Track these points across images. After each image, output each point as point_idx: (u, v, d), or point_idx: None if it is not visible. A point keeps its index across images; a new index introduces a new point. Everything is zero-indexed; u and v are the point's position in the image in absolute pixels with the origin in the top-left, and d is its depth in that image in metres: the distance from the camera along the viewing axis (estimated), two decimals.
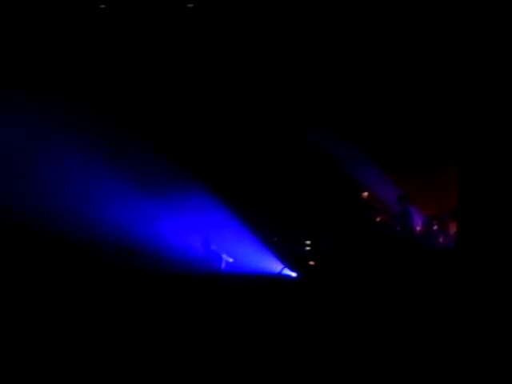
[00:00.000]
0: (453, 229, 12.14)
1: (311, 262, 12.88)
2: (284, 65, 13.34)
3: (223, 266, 12.82)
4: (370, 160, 13.44)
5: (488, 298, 8.84)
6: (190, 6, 13.02)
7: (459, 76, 11.06)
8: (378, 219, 13.30)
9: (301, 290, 10.68)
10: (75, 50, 13.16)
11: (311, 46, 13.08)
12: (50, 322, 8.42)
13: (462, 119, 11.19)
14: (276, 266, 12.56)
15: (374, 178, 13.45)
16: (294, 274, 12.31)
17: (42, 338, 7.98)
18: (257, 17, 12.92)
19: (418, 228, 12.89)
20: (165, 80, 13.62)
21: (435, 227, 12.63)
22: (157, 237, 12.62)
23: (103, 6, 12.93)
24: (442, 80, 12.32)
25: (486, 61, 10.52)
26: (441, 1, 11.57)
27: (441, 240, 12.70)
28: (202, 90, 13.65)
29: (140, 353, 7.73)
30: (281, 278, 12.14)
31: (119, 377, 7.25)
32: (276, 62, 13.37)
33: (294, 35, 12.96)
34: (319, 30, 12.87)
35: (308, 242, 13.34)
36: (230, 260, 12.97)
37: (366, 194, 13.49)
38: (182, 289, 10.12)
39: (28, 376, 7.11)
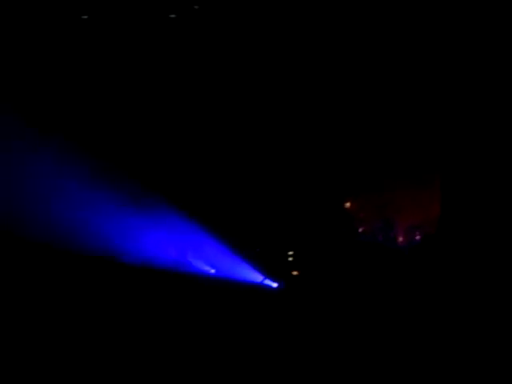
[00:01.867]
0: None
1: (294, 272, 12.84)
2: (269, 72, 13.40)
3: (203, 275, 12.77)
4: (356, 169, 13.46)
5: (473, 305, 8.86)
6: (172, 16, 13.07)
7: (444, 86, 11.12)
8: (361, 229, 13.29)
9: (282, 299, 10.67)
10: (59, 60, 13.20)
11: (294, 54, 13.14)
12: (45, 324, 8.41)
13: (445, 129, 11.24)
14: (257, 277, 12.51)
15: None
16: (274, 285, 12.27)
17: (39, 338, 7.97)
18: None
19: (401, 238, 12.88)
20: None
21: (417, 237, 12.61)
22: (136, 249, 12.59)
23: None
24: (428, 88, 12.37)
25: (470, 74, 10.59)
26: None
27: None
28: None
29: (129, 356, 7.71)
30: (262, 287, 12.10)
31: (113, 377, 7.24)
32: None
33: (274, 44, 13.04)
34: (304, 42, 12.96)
35: (290, 253, 13.29)
36: (212, 271, 12.90)
37: (348, 203, 13.48)
38: (163, 298, 10.09)
39: (28, 376, 7.09)
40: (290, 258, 13.24)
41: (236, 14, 13.05)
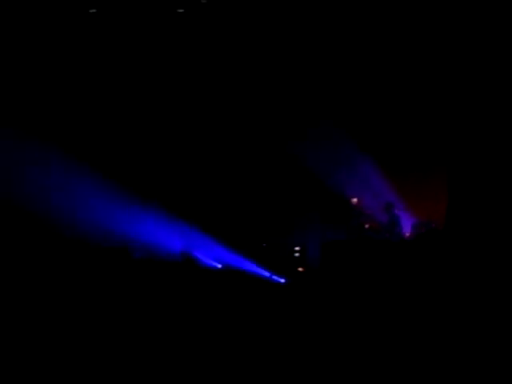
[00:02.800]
0: None
1: (300, 268, 12.84)
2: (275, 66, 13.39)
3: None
4: (361, 164, 13.45)
5: (477, 301, 8.83)
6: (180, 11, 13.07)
7: (450, 84, 11.09)
8: (367, 226, 13.28)
9: (290, 296, 10.65)
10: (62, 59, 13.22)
11: (302, 47, 13.12)
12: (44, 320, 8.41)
13: (452, 125, 11.22)
14: (264, 272, 12.52)
15: (366, 183, 13.45)
16: (282, 280, 12.26)
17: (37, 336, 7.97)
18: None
19: (407, 234, 12.88)
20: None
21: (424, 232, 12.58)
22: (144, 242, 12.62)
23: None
24: (434, 86, 12.35)
25: (476, 71, 10.56)
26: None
27: None
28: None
29: (130, 353, 7.70)
30: (269, 283, 12.10)
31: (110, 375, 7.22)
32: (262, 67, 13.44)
33: (281, 37, 13.04)
34: (308, 36, 12.93)
35: (297, 248, 13.29)
36: (218, 266, 12.92)
37: (355, 200, 13.47)
38: (171, 291, 10.09)
39: (28, 376, 7.08)
40: (297, 254, 13.25)
41: (243, 9, 13.05)
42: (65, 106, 13.31)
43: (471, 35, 10.64)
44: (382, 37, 12.83)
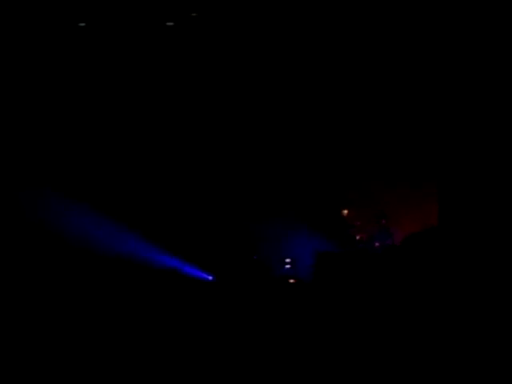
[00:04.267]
0: None
1: (291, 280, 12.82)
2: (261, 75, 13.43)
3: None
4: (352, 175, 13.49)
5: (470, 311, 8.87)
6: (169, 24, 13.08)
7: (441, 92, 11.14)
8: (358, 237, 13.29)
9: (281, 307, 10.65)
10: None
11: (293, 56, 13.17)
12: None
13: (441, 137, 11.26)
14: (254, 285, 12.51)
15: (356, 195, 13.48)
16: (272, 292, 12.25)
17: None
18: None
19: (397, 245, 12.88)
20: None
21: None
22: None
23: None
24: (423, 96, 12.42)
25: (464, 80, 10.62)
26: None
27: None
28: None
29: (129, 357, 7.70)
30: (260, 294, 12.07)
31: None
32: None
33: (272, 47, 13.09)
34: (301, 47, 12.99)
35: (288, 260, 13.27)
36: (209, 278, 12.89)
37: (345, 211, 13.48)
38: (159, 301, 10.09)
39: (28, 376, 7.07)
40: (288, 266, 13.24)
41: (233, 21, 13.07)
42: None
43: (464, 47, 10.72)
44: (369, 48, 12.92)
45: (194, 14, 13.01)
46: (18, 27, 12.65)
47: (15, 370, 7.29)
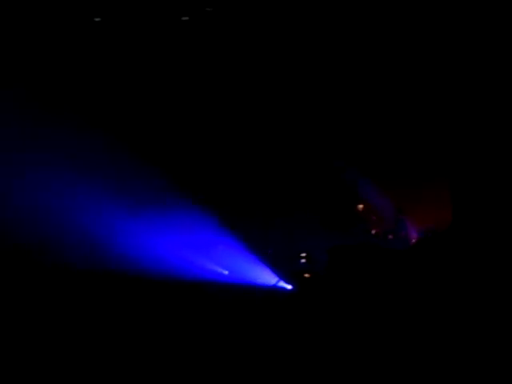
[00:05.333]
0: None
1: (306, 275, 12.84)
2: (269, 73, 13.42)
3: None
4: (366, 171, 13.46)
5: (483, 306, 8.87)
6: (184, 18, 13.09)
7: (451, 88, 11.10)
8: (373, 232, 13.29)
9: (296, 302, 10.67)
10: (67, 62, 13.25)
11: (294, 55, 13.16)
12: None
13: (453, 132, 11.24)
14: (271, 279, 12.52)
15: (370, 190, 13.44)
16: (289, 287, 12.27)
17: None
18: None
19: (413, 240, 12.89)
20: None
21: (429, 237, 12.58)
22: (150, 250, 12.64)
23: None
24: (434, 91, 12.37)
25: (476, 77, 10.58)
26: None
27: None
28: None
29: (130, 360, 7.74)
30: (276, 289, 12.11)
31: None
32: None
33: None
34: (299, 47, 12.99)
35: (303, 255, 13.29)
36: (225, 272, 12.93)
37: (361, 206, 13.48)
38: (178, 300, 10.12)
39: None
40: (303, 260, 13.26)
41: (246, 16, 13.07)
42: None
43: (467, 48, 10.69)
44: (374, 46, 12.88)
45: (185, 19, 13.05)
46: (19, 25, 12.71)
47: (15, 370, 7.33)
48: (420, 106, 13.02)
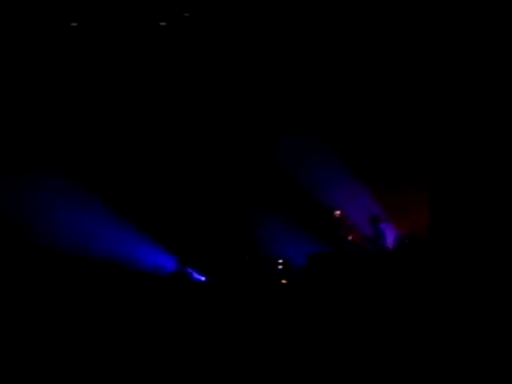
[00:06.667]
0: None
1: (284, 281, 12.82)
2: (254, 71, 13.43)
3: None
4: (344, 175, 13.48)
5: (463, 310, 8.90)
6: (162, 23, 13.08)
7: (433, 91, 11.17)
8: (350, 238, 13.31)
9: (274, 308, 10.65)
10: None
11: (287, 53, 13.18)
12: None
13: (432, 137, 11.30)
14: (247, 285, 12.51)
15: (348, 196, 13.47)
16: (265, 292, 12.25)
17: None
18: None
19: (390, 246, 12.91)
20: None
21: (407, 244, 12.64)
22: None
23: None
24: (415, 99, 12.45)
25: (456, 83, 10.66)
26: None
27: None
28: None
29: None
30: (253, 296, 12.07)
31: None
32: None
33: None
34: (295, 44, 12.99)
35: (280, 261, 13.28)
36: (202, 279, 12.89)
37: (338, 212, 13.49)
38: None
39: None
40: (280, 267, 13.24)
41: (226, 20, 13.07)
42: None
43: (457, 54, 10.76)
44: (365, 50, 12.93)
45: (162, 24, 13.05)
46: (18, 26, 12.65)
47: (15, 370, 7.28)
48: (401, 110, 13.10)
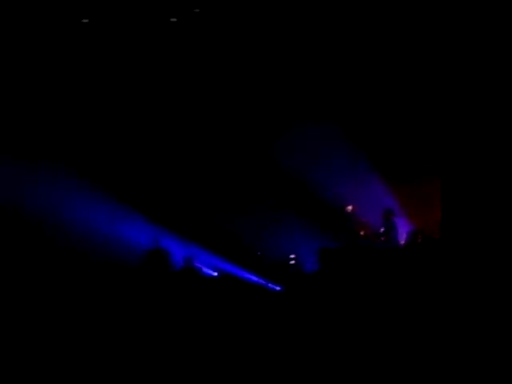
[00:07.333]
0: None
1: (296, 276, 12.83)
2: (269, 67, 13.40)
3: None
4: (358, 168, 13.48)
5: (473, 308, 8.89)
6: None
7: (447, 87, 11.13)
8: (362, 233, 13.29)
9: (286, 304, 10.66)
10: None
11: (299, 49, 13.15)
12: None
13: (445, 133, 11.26)
14: (260, 281, 12.53)
15: (361, 189, 13.46)
16: (278, 289, 12.27)
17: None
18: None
19: (402, 241, 12.88)
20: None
21: (420, 240, 12.60)
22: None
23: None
24: (428, 95, 12.40)
25: (469, 77, 10.61)
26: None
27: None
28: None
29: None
30: (265, 291, 12.09)
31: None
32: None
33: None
34: (304, 35, 12.95)
35: (292, 256, 13.29)
36: (214, 274, 12.92)
37: (350, 207, 13.47)
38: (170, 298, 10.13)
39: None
40: (292, 262, 13.26)
41: (235, 17, 13.05)
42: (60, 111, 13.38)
43: (465, 46, 10.71)
44: (378, 42, 12.88)
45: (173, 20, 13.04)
46: (21, 24, 12.66)
47: (15, 369, 7.29)
48: (414, 105, 13.06)
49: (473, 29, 10.59)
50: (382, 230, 12.91)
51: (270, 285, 12.35)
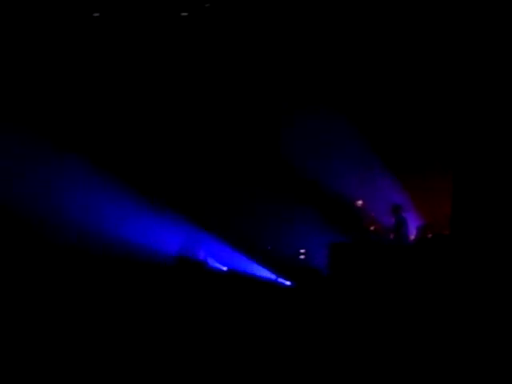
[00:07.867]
0: None
1: (306, 271, 12.84)
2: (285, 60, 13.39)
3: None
4: (369, 163, 13.47)
5: (482, 304, 8.86)
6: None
7: (459, 82, 11.08)
8: (372, 228, 13.26)
9: (296, 298, 10.68)
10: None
11: (311, 43, 13.12)
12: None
13: (457, 128, 11.22)
14: (270, 275, 12.55)
15: (371, 184, 13.45)
16: (288, 283, 12.29)
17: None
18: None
19: (412, 237, 12.86)
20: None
21: (430, 235, 12.57)
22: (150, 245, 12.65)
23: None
24: (442, 84, 12.36)
25: (484, 69, 10.55)
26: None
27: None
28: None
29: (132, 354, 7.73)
30: (275, 285, 12.13)
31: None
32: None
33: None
34: (316, 29, 12.93)
35: (302, 251, 13.30)
36: (224, 269, 12.94)
37: (360, 202, 13.43)
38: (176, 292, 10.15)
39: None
40: (302, 257, 13.26)
41: (246, 12, 13.05)
42: (65, 105, 13.41)
43: (473, 36, 10.65)
44: (387, 37, 12.85)
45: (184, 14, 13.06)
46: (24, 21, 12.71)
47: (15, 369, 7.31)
48: (427, 97, 13.01)
49: (494, 22, 10.54)
50: (392, 225, 12.86)
51: (279, 279, 12.38)
